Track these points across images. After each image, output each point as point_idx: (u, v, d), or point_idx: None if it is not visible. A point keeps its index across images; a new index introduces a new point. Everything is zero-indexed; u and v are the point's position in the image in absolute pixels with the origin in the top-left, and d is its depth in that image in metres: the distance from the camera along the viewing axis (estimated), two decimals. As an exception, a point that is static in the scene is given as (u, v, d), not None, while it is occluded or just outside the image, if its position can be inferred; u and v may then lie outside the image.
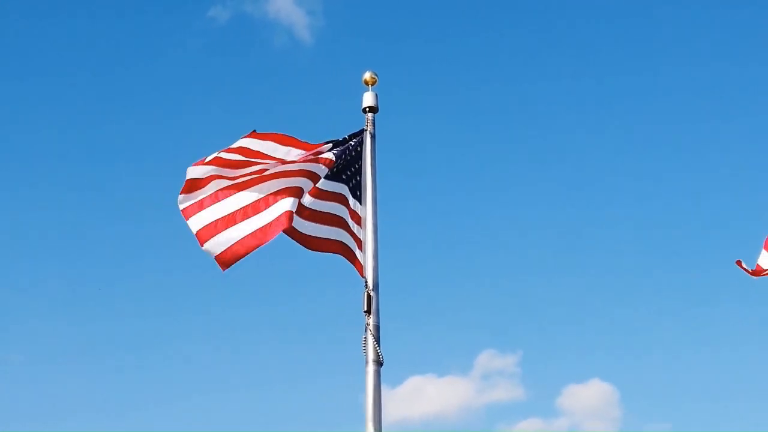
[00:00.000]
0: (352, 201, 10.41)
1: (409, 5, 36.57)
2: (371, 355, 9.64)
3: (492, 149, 35.25)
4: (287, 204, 9.73)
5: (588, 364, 31.44)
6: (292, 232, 9.97)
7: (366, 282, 9.90)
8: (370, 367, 9.61)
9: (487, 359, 31.70)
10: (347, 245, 10.25)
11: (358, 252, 10.19)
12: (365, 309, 9.75)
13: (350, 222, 10.35)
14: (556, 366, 31.30)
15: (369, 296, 9.79)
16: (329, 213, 10.29)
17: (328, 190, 10.34)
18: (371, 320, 9.73)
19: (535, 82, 35.65)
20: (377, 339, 9.69)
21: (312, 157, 10.14)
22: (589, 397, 31.20)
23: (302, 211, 10.03)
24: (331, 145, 10.40)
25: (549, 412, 30.82)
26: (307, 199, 10.13)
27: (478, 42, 36.07)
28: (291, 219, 9.67)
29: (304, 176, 10.00)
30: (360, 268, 10.09)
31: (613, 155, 35.25)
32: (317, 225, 10.20)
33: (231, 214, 9.81)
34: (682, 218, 33.91)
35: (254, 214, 9.78)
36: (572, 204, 34.96)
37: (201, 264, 31.81)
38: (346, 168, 10.44)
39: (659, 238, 33.84)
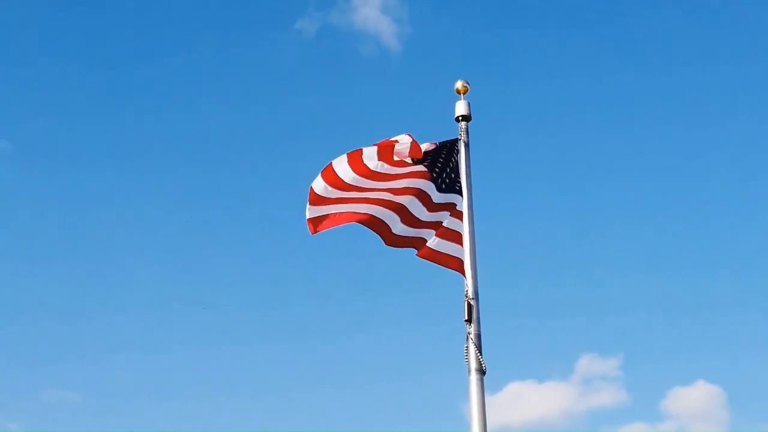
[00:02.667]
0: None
1: (498, 10, 36.46)
2: (473, 364, 9.66)
3: (585, 155, 34.98)
4: (388, 217, 10.14)
5: (692, 366, 30.99)
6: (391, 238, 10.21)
7: (466, 291, 9.92)
8: (473, 376, 9.63)
9: (587, 363, 31.46)
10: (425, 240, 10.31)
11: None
12: (466, 318, 9.77)
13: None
14: (659, 368, 30.90)
15: (469, 305, 9.81)
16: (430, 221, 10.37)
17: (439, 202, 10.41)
18: (472, 329, 9.74)
19: (628, 89, 35.27)
20: (479, 348, 9.69)
21: (411, 171, 10.26)
22: (696, 399, 30.77)
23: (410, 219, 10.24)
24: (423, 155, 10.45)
25: (654, 416, 30.45)
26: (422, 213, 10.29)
27: (569, 47, 35.83)
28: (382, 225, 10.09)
29: (409, 194, 10.26)
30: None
31: (719, 154, 34.71)
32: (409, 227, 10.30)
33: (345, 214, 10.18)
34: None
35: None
36: (671, 204, 34.53)
37: (308, 276, 32.31)
38: (454, 180, 10.45)
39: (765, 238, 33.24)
